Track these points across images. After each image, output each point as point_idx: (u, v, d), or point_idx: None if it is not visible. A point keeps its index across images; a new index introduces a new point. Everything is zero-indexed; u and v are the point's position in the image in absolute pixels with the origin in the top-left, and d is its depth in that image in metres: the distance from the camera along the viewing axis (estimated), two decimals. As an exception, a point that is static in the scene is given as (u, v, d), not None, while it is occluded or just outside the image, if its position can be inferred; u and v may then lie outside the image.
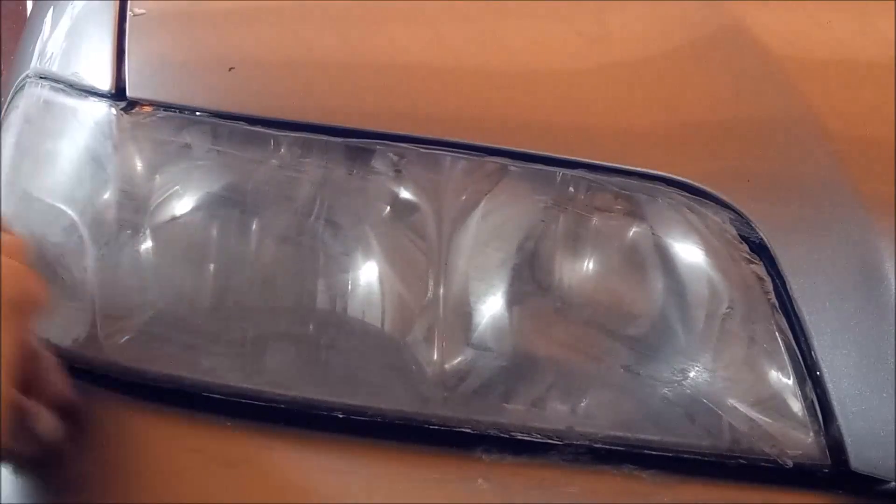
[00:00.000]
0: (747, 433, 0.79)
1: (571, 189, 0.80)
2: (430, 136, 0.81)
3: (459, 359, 0.80)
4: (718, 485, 0.79)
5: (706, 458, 0.79)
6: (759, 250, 0.78)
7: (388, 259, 0.81)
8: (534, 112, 0.82)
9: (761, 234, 0.78)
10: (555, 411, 0.80)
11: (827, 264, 0.76)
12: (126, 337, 0.81)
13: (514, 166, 0.80)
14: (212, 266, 0.81)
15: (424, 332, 0.80)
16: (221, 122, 0.81)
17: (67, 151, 0.85)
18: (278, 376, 0.81)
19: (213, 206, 0.82)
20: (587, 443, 0.79)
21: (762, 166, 0.80)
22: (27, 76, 0.93)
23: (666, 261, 0.80)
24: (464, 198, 0.80)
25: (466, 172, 0.80)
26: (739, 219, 0.78)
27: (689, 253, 0.80)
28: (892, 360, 0.75)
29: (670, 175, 0.79)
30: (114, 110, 0.83)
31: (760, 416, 0.79)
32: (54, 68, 0.90)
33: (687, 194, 0.79)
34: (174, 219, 0.81)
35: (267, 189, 0.81)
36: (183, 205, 0.82)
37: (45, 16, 1.02)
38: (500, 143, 0.80)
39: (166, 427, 0.80)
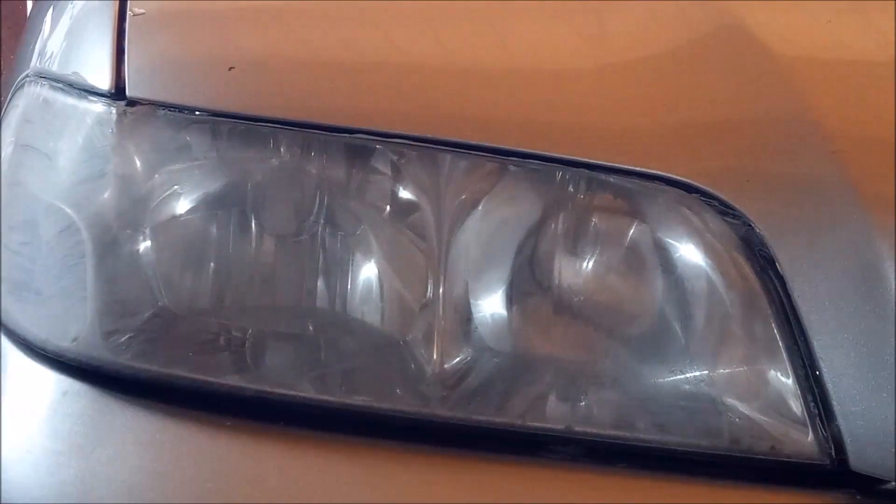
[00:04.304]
0: (747, 433, 0.79)
1: (571, 189, 0.80)
2: (430, 135, 0.81)
3: (459, 358, 0.80)
4: (718, 484, 0.79)
5: (706, 458, 0.79)
6: (759, 250, 0.78)
7: (388, 259, 0.81)
8: (534, 112, 0.82)
9: (761, 234, 0.77)
10: (554, 410, 0.80)
11: (827, 264, 0.76)
12: (126, 337, 0.81)
13: (514, 166, 0.80)
14: (212, 265, 0.81)
15: (424, 332, 0.80)
16: (221, 121, 0.81)
17: (67, 151, 0.85)
18: (278, 376, 0.81)
19: (213, 205, 0.81)
20: (587, 441, 0.79)
21: (762, 166, 0.79)
22: (27, 75, 0.93)
23: (666, 261, 0.80)
24: (464, 198, 0.80)
25: (466, 172, 0.80)
26: (739, 219, 0.78)
27: (689, 253, 0.79)
28: (892, 360, 0.75)
29: (670, 175, 0.79)
30: (113, 110, 0.83)
31: (760, 416, 0.79)
32: (54, 68, 0.90)
33: (687, 194, 0.79)
34: (174, 218, 0.81)
35: (267, 189, 0.81)
36: (183, 204, 0.82)
37: (45, 15, 1.02)
38: (500, 143, 0.80)
39: (166, 427, 0.80)
